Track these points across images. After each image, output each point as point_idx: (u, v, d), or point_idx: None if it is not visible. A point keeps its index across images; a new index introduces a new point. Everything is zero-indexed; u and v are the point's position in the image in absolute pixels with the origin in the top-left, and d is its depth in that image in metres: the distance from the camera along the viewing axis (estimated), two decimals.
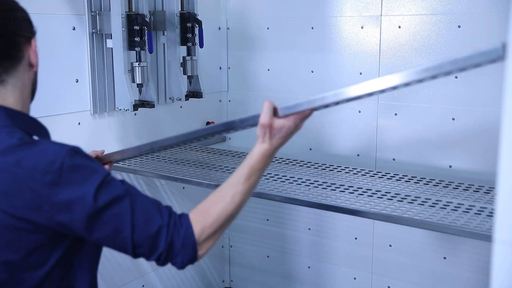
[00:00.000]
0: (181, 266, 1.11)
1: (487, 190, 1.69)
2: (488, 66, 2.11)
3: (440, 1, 2.02)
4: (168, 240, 1.07)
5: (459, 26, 1.99)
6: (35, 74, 1.19)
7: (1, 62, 1.09)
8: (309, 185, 1.77)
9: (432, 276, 2.19)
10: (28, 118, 1.16)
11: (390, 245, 2.28)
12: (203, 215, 1.10)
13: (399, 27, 2.12)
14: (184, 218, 1.10)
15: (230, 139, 2.68)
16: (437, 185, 1.75)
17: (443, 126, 2.08)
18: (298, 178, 1.85)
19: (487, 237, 1.33)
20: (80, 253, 1.12)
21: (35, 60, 1.15)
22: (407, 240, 2.22)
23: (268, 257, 2.65)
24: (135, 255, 1.09)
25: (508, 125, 0.65)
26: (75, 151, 1.05)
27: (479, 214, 1.49)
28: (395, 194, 1.67)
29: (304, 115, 1.17)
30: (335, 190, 1.72)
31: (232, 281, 2.82)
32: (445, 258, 2.15)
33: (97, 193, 1.02)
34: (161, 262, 1.10)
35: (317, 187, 1.75)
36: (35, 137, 1.11)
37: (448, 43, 2.02)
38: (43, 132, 1.18)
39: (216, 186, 1.73)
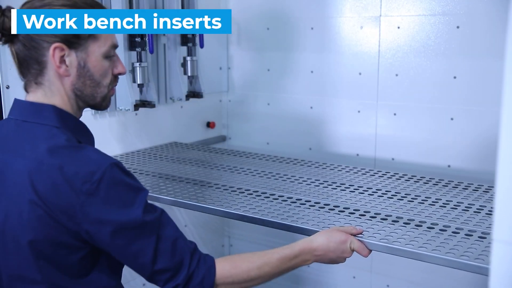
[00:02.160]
0: None
1: (486, 189, 1.70)
2: (488, 66, 2.13)
3: (439, 2, 2.03)
4: (189, 273, 1.11)
5: (458, 27, 2.00)
6: (81, 79, 1.15)
7: (32, 65, 1.13)
8: (310, 184, 1.78)
9: (431, 275, 2.20)
10: (77, 122, 1.19)
11: None
12: (232, 265, 1.17)
13: (398, 27, 2.13)
14: (209, 258, 1.16)
15: (230, 138, 2.69)
16: (437, 184, 1.76)
17: (442, 126, 2.09)
18: (299, 177, 1.86)
19: (486, 235, 1.34)
20: (103, 256, 1.15)
21: (59, 70, 1.12)
22: None
23: None
24: (152, 280, 1.12)
25: (506, 125, 0.66)
26: (117, 166, 1.08)
27: (479, 212, 1.50)
28: (396, 192, 1.68)
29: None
30: (336, 188, 1.74)
31: None
32: None
33: (128, 213, 1.06)
34: (162, 285, 1.12)
35: (318, 186, 1.76)
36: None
37: (447, 43, 2.03)
38: (88, 138, 1.21)
39: (215, 185, 1.75)
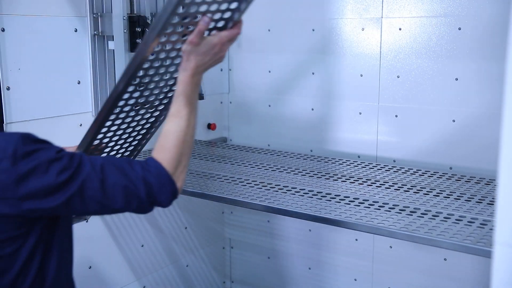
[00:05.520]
0: (167, 202, 1.13)
1: (487, 181, 1.81)
2: (489, 68, 2.13)
3: (440, 3, 2.03)
4: (141, 187, 1.09)
5: (459, 28, 2.00)
6: None
7: None
8: (312, 176, 1.88)
9: (432, 277, 2.19)
10: None
11: (391, 246, 2.28)
12: (162, 150, 1.15)
13: (400, 29, 2.13)
14: (149, 160, 1.14)
15: (231, 140, 2.68)
16: (440, 177, 1.86)
17: (444, 128, 2.09)
18: (302, 170, 1.92)
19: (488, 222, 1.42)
20: (53, 239, 1.13)
21: None
22: (408, 242, 2.22)
23: (269, 258, 2.66)
24: (115, 211, 1.12)
25: (508, 127, 0.66)
26: (27, 137, 1.05)
27: (480, 202, 1.59)
28: (402, 184, 1.78)
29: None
30: (337, 180, 1.82)
31: (233, 282, 2.82)
32: (445, 259, 2.16)
33: (56, 171, 1.03)
34: (145, 207, 1.12)
35: (320, 177, 1.85)
36: None
37: (449, 45, 2.03)
38: None
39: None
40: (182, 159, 1.16)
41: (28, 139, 1.04)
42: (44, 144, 1.06)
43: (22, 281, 1.08)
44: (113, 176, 1.08)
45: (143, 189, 1.09)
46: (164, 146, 1.15)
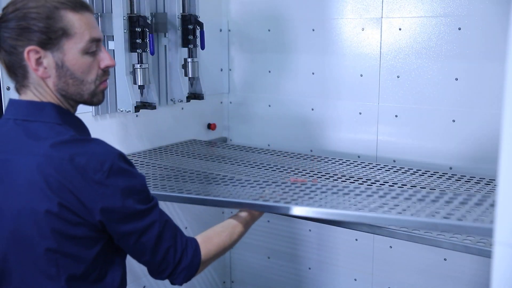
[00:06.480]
0: (181, 282, 1.22)
1: (487, 182, 1.78)
2: (489, 68, 2.12)
3: (440, 3, 2.03)
4: (178, 257, 1.18)
5: (459, 29, 2.00)
6: (62, 79, 1.15)
7: (16, 70, 1.14)
8: (312, 176, 1.85)
9: (432, 277, 2.19)
10: (75, 118, 1.21)
11: (391, 247, 2.28)
12: (208, 242, 1.29)
13: (400, 29, 2.13)
14: (193, 240, 1.25)
15: (231, 140, 2.68)
16: (440, 177, 1.84)
17: (443, 128, 2.09)
18: (302, 170, 1.91)
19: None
20: (116, 248, 1.18)
21: (37, 72, 1.13)
22: (408, 242, 2.22)
23: (269, 258, 2.66)
24: (145, 263, 1.19)
25: (508, 127, 0.66)
26: (122, 156, 1.12)
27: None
28: (402, 184, 1.75)
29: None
30: (337, 180, 1.79)
31: (233, 282, 2.82)
32: (445, 259, 2.16)
33: (136, 201, 1.11)
34: (163, 273, 1.19)
35: (320, 177, 1.83)
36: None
37: (449, 45, 2.03)
38: (86, 132, 1.23)
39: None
40: (215, 257, 1.31)
41: (122, 157, 1.12)
42: (133, 167, 1.14)
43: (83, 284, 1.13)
44: (168, 234, 1.17)
45: (177, 259, 1.19)
46: (212, 240, 1.31)
